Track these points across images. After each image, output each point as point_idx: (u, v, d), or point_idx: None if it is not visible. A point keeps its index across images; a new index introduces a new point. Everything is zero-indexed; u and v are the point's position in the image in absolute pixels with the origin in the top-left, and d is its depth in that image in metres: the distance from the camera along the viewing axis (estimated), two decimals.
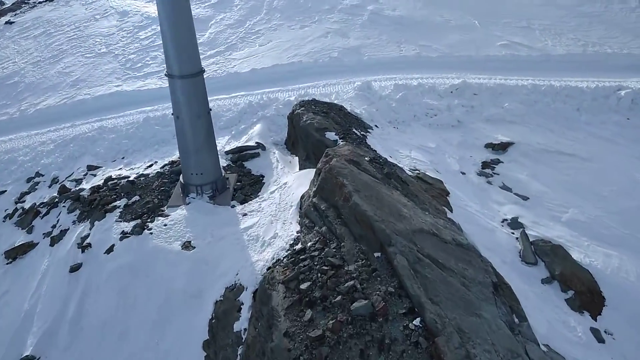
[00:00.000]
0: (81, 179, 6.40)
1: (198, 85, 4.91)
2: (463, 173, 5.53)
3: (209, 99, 5.02)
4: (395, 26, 10.35)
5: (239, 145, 6.36)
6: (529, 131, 6.37)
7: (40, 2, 16.51)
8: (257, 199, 5.17)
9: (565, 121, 6.66)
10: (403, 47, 9.37)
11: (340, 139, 5.48)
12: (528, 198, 5.16)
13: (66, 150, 7.17)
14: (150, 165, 6.28)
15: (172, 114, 5.04)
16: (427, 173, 5.22)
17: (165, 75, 4.93)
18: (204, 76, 5.01)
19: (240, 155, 6.18)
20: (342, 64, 9.04)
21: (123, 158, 6.84)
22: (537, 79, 7.91)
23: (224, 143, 6.64)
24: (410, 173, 5.07)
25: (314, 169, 5.00)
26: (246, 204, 5.07)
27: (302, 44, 9.81)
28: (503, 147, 6.04)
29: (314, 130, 5.64)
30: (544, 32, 9.74)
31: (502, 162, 5.78)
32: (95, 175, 6.39)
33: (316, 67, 9.07)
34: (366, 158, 4.91)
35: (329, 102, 6.61)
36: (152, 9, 12.92)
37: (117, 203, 5.35)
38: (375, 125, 6.45)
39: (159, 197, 5.38)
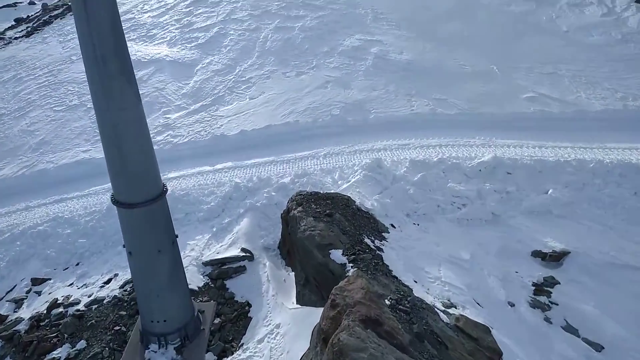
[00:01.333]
0: (22, 299, 5.11)
1: (158, 212, 3.63)
2: (511, 304, 4.26)
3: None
4: (403, 73, 9.14)
5: (221, 254, 5.07)
6: (585, 231, 5.11)
7: (16, 38, 15.35)
8: (240, 352, 3.88)
9: (625, 213, 5.40)
10: (414, 101, 8.14)
11: (349, 261, 4.21)
12: (603, 347, 3.89)
13: (12, 249, 5.86)
14: (108, 282, 5.00)
15: (123, 246, 3.77)
16: (466, 313, 3.93)
17: (112, 202, 3.62)
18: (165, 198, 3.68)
19: (222, 270, 4.90)
20: (345, 124, 7.80)
21: (78, 264, 5.55)
22: (576, 146, 6.69)
23: (202, 246, 5.35)
24: (445, 318, 3.78)
25: (316, 309, 3.74)
26: None
27: (298, 97, 8.57)
28: (556, 258, 4.78)
29: (316, 248, 4.38)
30: (574, 81, 8.54)
31: (559, 284, 4.51)
32: (39, 294, 5.10)
33: (315, 127, 7.82)
34: (387, 302, 3.64)
35: (332, 194, 5.31)
36: (133, 48, 11.74)
37: (56, 354, 4.05)
38: (392, 225, 5.17)
39: (112, 343, 4.08)
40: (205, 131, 7.97)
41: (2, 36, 16.20)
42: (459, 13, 11.92)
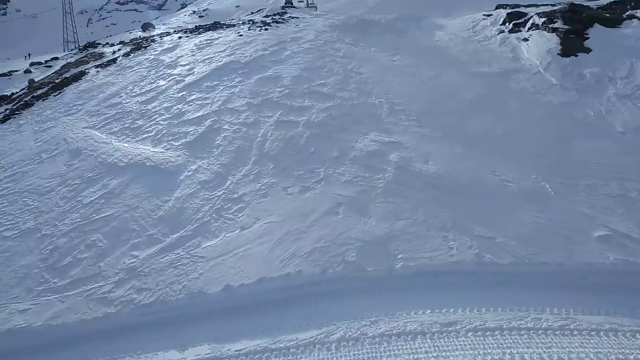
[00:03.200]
0: None
1: None
2: None
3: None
4: (432, 192, 7.34)
5: None
6: None
7: None
8: None
9: None
10: (452, 240, 6.27)
11: None
12: None
13: None
14: None
15: None
16: None
17: None
18: None
19: None
20: (365, 277, 5.88)
21: None
22: None
23: None
24: None
25: None
26: None
27: (302, 229, 6.72)
28: None
29: None
30: None
31: None
32: None
33: (324, 281, 5.89)
34: None
35: None
36: (112, 146, 10.14)
37: None
38: None
39: None
40: (180, 283, 6.07)
41: None
42: (487, 103, 10.33)
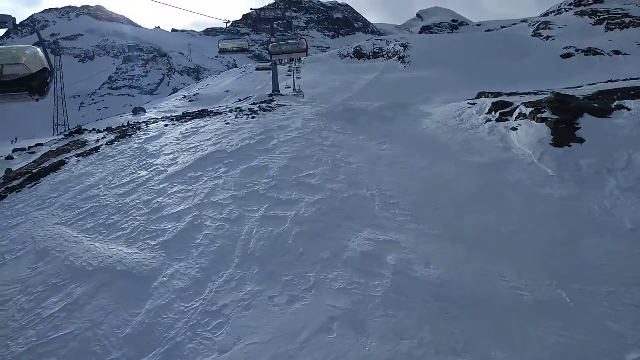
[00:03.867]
0: None
1: None
2: None
3: None
4: (437, 302, 6.53)
5: None
6: None
7: None
8: None
9: None
10: None
11: None
12: None
13: None
14: None
15: None
16: None
17: None
18: None
19: None
20: None
21: None
22: None
23: None
24: None
25: None
26: None
27: (290, 354, 5.76)
28: None
29: None
30: None
31: None
32: None
33: None
34: None
35: None
36: (82, 245, 9.25)
37: None
38: None
39: None
40: None
41: None
42: (484, 196, 9.86)
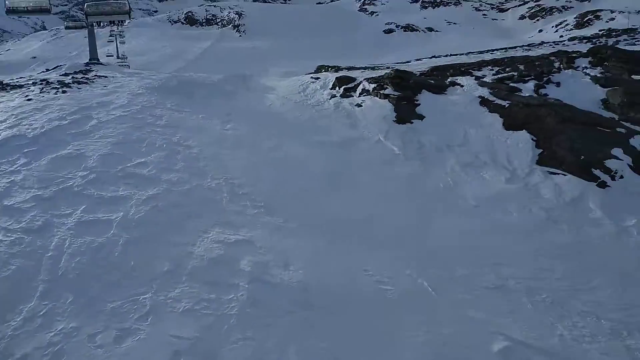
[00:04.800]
0: None
1: None
2: None
3: None
4: (302, 312, 5.59)
5: None
6: None
7: None
8: None
9: None
10: None
11: None
12: None
13: None
14: None
15: None
16: None
17: None
18: None
19: None
20: None
21: None
22: None
23: None
24: None
25: None
26: None
27: None
28: None
29: None
30: (535, 301, 6.06)
31: None
32: None
33: None
34: None
35: None
36: None
37: None
38: None
39: None
40: None
41: None
42: (338, 178, 9.37)
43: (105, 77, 18.31)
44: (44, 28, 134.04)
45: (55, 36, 76.54)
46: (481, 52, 23.19)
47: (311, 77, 17.28)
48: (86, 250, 6.75)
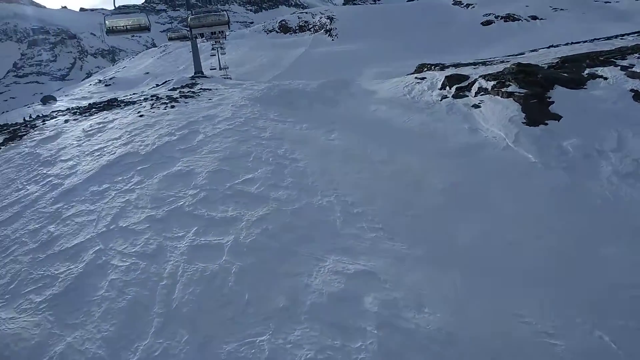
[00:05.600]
0: None
1: None
2: None
3: None
4: None
5: None
6: None
7: None
8: None
9: None
10: None
11: None
12: None
13: None
14: None
15: None
16: None
17: None
18: None
19: None
20: None
21: None
22: None
23: None
24: None
25: None
26: None
27: None
28: None
29: None
30: None
31: None
32: None
33: None
34: None
35: None
36: None
37: None
38: None
39: None
40: None
41: None
42: (465, 194, 8.13)
43: (210, 89, 18.67)
44: (154, 45, 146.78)
45: (164, 52, 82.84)
46: (609, 38, 20.11)
47: (415, 77, 16.04)
48: (199, 280, 6.31)
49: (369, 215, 7.65)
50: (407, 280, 6.00)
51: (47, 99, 45.05)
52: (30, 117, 23.70)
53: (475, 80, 12.83)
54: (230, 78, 24.34)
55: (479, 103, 11.81)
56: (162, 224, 7.81)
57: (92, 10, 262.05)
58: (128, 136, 12.43)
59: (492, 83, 11.98)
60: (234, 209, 8.04)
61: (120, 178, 9.84)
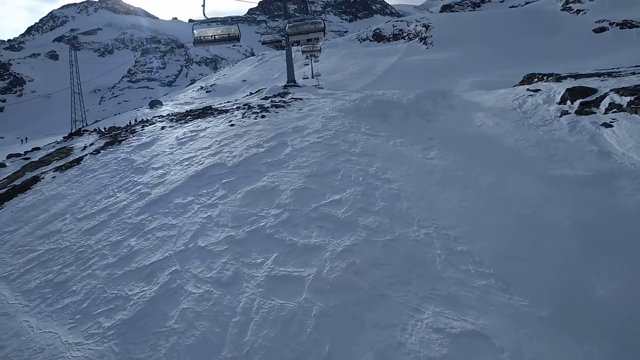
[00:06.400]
0: None
1: None
2: None
3: None
4: None
5: None
6: None
7: None
8: None
9: None
10: None
11: None
12: None
13: None
14: None
15: None
16: None
17: None
18: None
19: None
20: None
21: None
22: None
23: None
24: None
25: None
26: None
27: None
28: None
29: None
30: None
31: None
32: None
33: None
34: None
35: None
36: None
37: None
38: None
39: None
40: None
41: None
42: (599, 238, 6.52)
43: (301, 99, 18.24)
44: (252, 54, 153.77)
45: (260, 60, 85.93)
46: None
47: (527, 89, 14.20)
48: (275, 320, 5.50)
49: (476, 255, 6.37)
50: (529, 350, 4.68)
51: (154, 103, 48.56)
52: (135, 120, 25.22)
53: (606, 94, 10.86)
54: (322, 87, 23.94)
55: (610, 122, 9.89)
56: (241, 247, 7.18)
57: (200, 21, 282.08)
58: (217, 146, 12.21)
59: (629, 99, 9.99)
60: (318, 235, 7.19)
61: (204, 191, 9.49)
